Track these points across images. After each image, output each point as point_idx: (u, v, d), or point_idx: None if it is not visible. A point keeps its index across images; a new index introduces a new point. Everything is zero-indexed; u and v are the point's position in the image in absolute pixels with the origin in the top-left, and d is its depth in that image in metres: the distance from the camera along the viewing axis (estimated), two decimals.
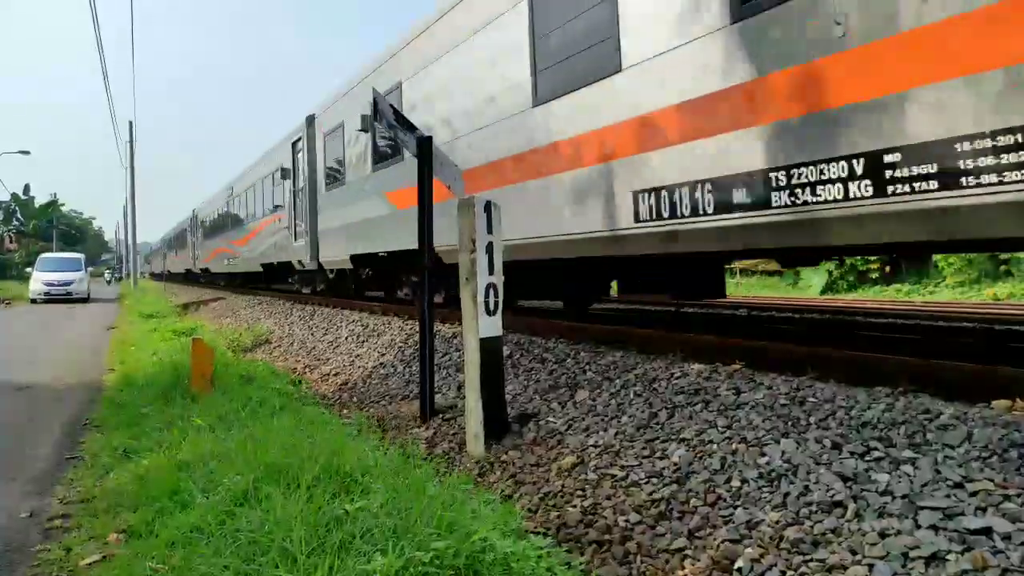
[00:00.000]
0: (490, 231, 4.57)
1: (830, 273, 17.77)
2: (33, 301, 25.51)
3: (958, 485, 2.63)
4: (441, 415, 5.30)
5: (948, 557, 2.33)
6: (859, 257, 17.11)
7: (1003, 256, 14.29)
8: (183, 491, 3.39)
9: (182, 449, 4.18)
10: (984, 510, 2.48)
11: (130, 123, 36.00)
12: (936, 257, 15.56)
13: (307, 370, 8.69)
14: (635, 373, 4.83)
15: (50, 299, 25.50)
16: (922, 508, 2.57)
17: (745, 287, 19.98)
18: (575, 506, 3.41)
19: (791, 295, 17.54)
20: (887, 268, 16.61)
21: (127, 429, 5.16)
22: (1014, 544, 2.30)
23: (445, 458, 4.51)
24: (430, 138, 5.69)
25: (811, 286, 18.13)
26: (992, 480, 2.61)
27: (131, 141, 36.04)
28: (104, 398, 6.64)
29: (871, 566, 2.41)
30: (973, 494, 2.57)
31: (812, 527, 2.71)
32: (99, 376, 8.27)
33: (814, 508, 2.80)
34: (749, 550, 2.71)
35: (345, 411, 6.20)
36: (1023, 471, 2.64)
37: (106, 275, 58.28)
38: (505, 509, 3.28)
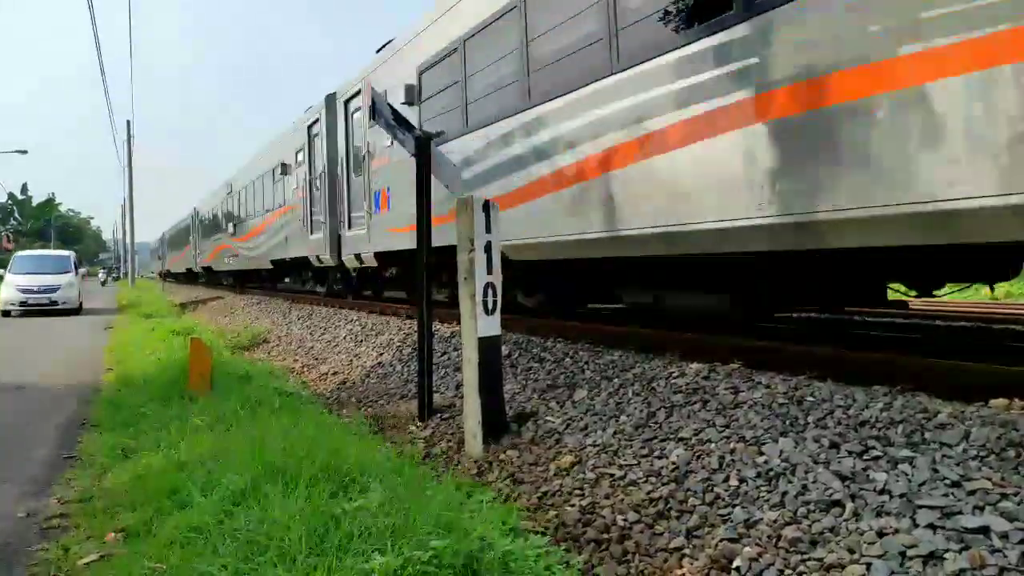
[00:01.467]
0: (488, 230, 4.57)
1: None
2: (6, 313, 19.33)
3: (956, 484, 2.64)
4: (439, 414, 5.30)
5: (946, 556, 2.33)
6: None
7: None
8: (181, 491, 3.39)
9: (180, 449, 4.18)
10: (982, 509, 2.48)
11: (128, 122, 36.07)
12: None
13: (305, 369, 8.69)
14: (633, 372, 4.83)
15: (28, 310, 19.46)
16: (920, 507, 2.57)
17: None
18: (573, 505, 3.41)
19: None
20: None
21: (125, 429, 5.15)
22: (1012, 543, 2.30)
23: (443, 457, 4.51)
24: (429, 137, 5.69)
25: None
26: (990, 479, 2.61)
27: (129, 139, 36.06)
28: (102, 398, 6.63)
29: (869, 565, 2.41)
30: (971, 493, 2.57)
31: (810, 526, 2.71)
32: (96, 376, 8.26)
33: (812, 507, 2.80)
34: (747, 549, 2.71)
35: (344, 410, 6.20)
36: (1021, 470, 2.64)
37: (100, 275, 51.81)
38: (503, 508, 3.29)
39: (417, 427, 5.19)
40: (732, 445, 3.41)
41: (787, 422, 3.45)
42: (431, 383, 5.40)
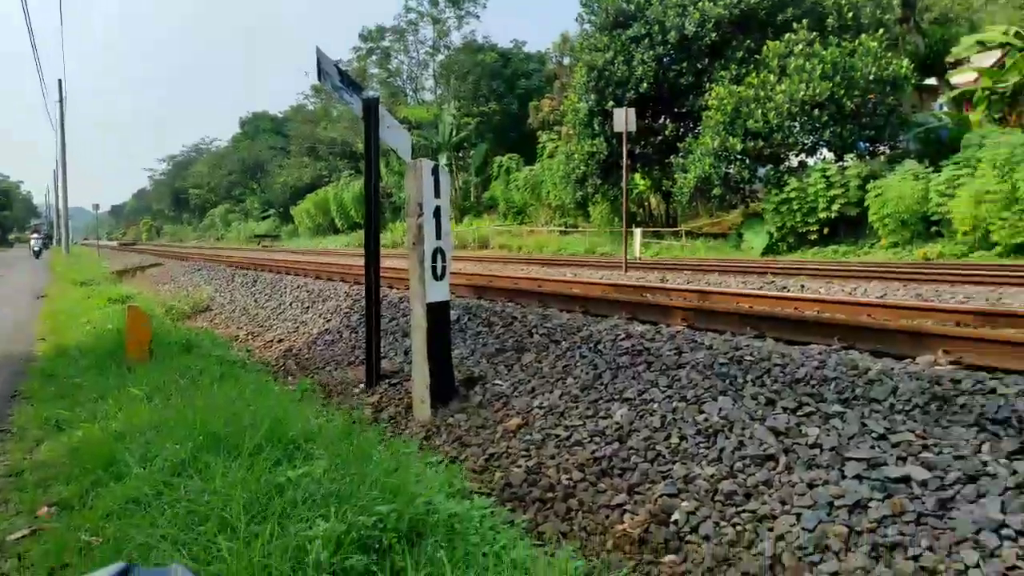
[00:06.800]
0: (437, 195, 4.51)
1: (771, 235, 18.20)
2: None
3: (882, 437, 2.77)
4: (387, 380, 5.27)
5: (870, 504, 2.45)
6: (799, 220, 17.58)
7: (934, 218, 14.98)
8: (119, 462, 3.29)
9: (117, 420, 4.05)
10: (904, 460, 2.61)
11: (59, 81, 34.20)
12: (872, 219, 16.17)
13: (250, 337, 8.51)
14: (581, 336, 4.88)
15: None
16: (848, 459, 2.69)
17: (690, 250, 20.34)
18: (520, 466, 3.45)
19: (735, 256, 17.99)
20: (825, 230, 17.13)
21: (59, 400, 4.96)
22: (930, 490, 2.43)
23: (391, 423, 4.50)
24: (377, 98, 5.53)
25: (752, 248, 18.58)
26: (913, 431, 2.75)
27: (61, 100, 34.20)
28: (34, 369, 6.36)
29: (799, 515, 2.52)
30: (895, 445, 2.70)
31: (745, 480, 2.81)
32: (28, 347, 7.92)
33: (748, 462, 2.90)
34: (685, 503, 2.80)
35: (289, 378, 6.11)
36: (942, 422, 2.78)
37: None
38: (450, 471, 3.31)
39: (365, 393, 5.16)
40: (674, 404, 3.49)
41: (727, 381, 3.55)
42: (379, 349, 5.36)
